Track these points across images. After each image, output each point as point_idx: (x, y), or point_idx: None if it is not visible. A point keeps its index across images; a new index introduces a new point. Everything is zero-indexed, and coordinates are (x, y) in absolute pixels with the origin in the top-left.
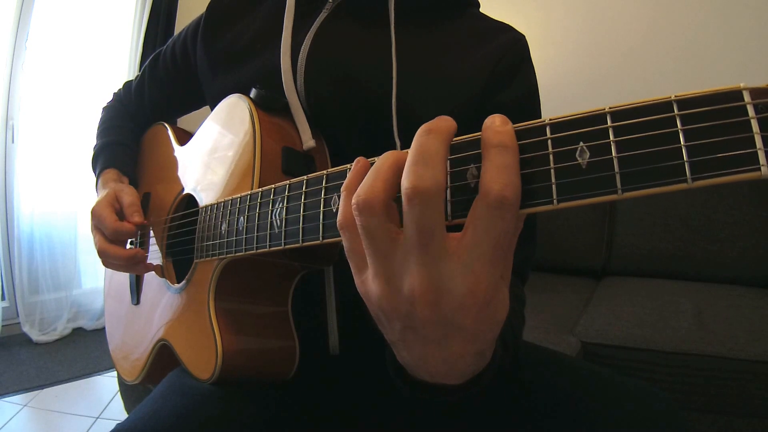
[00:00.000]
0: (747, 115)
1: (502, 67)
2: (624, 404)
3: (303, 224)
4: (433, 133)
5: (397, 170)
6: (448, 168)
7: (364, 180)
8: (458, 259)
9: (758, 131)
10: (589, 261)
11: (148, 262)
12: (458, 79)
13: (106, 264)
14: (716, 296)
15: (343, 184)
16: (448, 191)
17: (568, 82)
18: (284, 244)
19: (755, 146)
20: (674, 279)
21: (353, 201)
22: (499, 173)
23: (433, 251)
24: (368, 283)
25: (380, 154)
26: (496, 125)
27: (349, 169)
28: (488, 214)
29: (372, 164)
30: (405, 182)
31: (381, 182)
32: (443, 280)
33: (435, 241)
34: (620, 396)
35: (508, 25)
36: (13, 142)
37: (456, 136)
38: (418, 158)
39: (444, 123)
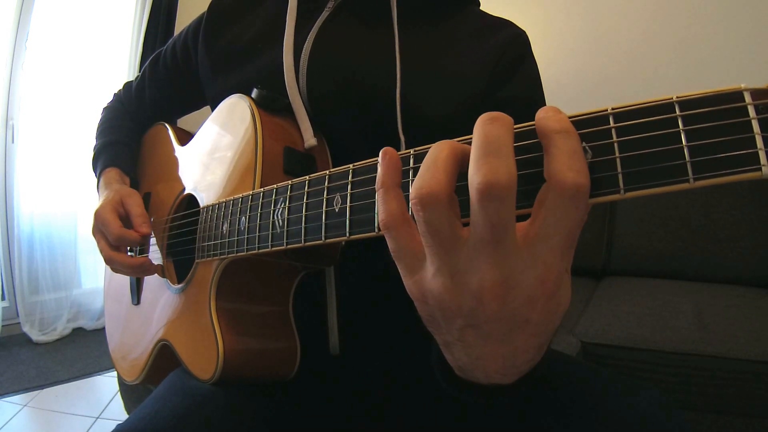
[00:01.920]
0: (748, 115)
1: (505, 62)
2: (624, 404)
3: (305, 224)
4: (499, 122)
5: (456, 159)
6: None
7: (421, 171)
8: (528, 252)
9: (759, 132)
10: (589, 261)
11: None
12: (462, 76)
13: (113, 270)
14: (716, 296)
15: (379, 180)
16: None
17: (568, 81)
18: (286, 244)
19: (756, 146)
20: (674, 279)
21: (414, 195)
22: (570, 159)
23: (504, 247)
24: (426, 281)
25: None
26: (551, 113)
27: (353, 169)
28: (562, 204)
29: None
30: (476, 176)
31: (443, 173)
32: (513, 274)
33: (508, 237)
34: (621, 396)
35: (508, 20)
36: (13, 142)
37: (462, 134)
38: (489, 148)
39: (505, 115)
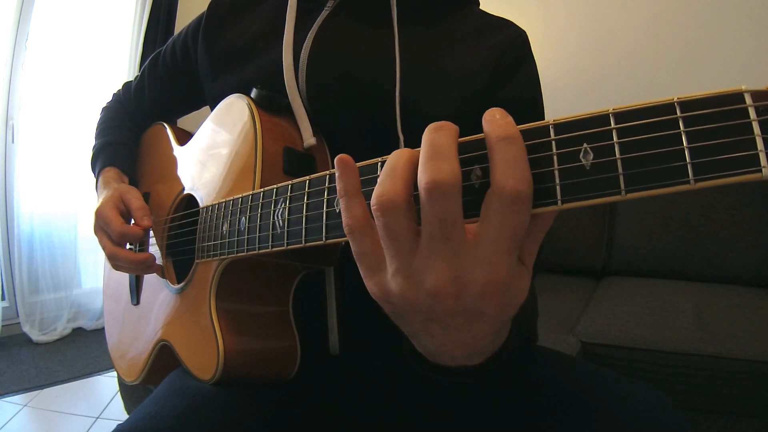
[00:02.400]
0: (748, 117)
1: (505, 62)
2: (625, 404)
3: (306, 225)
4: (444, 130)
5: (413, 167)
6: None
7: (381, 179)
8: (476, 252)
9: (759, 133)
10: (589, 261)
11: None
12: (462, 75)
13: (115, 267)
14: (716, 296)
15: (341, 188)
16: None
17: (568, 81)
18: (287, 245)
19: (756, 148)
20: (674, 279)
21: (375, 202)
22: (510, 168)
23: (454, 244)
24: (386, 282)
25: (382, 152)
26: (497, 118)
27: None
28: (503, 210)
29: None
30: (424, 177)
31: (401, 180)
32: (463, 273)
33: (456, 234)
34: (622, 396)
35: (508, 20)
36: (13, 142)
37: (462, 135)
38: (434, 153)
39: (450, 123)
